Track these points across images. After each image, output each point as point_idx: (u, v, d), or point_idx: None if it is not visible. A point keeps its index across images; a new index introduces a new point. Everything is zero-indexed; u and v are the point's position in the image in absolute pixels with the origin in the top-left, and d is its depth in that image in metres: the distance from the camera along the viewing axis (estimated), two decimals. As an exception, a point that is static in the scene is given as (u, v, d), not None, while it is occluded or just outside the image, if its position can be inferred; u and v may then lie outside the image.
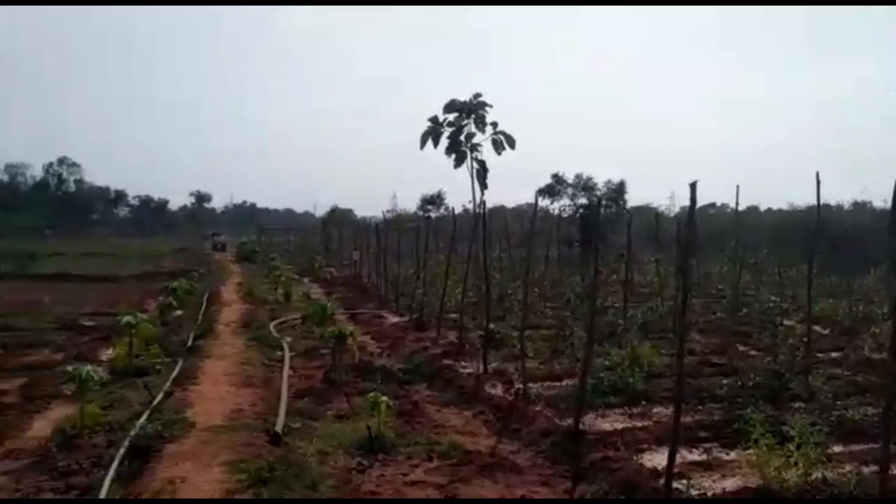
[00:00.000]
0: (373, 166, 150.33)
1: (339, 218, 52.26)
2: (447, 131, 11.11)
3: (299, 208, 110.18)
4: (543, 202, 30.41)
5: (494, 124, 11.00)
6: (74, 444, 7.03)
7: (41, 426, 7.87)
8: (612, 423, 7.77)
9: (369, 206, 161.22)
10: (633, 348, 10.26)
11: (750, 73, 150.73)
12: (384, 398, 7.20)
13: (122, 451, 6.55)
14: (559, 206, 29.82)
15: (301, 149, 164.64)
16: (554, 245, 21.60)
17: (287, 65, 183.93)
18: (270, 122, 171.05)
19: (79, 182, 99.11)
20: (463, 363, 11.00)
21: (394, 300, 18.80)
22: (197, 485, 5.60)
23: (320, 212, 65.75)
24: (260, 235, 63.44)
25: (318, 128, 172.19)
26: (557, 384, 9.40)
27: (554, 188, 28.34)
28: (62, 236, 63.37)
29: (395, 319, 16.54)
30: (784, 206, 38.82)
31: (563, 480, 6.13)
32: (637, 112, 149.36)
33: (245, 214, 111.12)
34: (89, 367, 7.86)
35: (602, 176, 28.32)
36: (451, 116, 11.08)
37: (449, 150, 11.11)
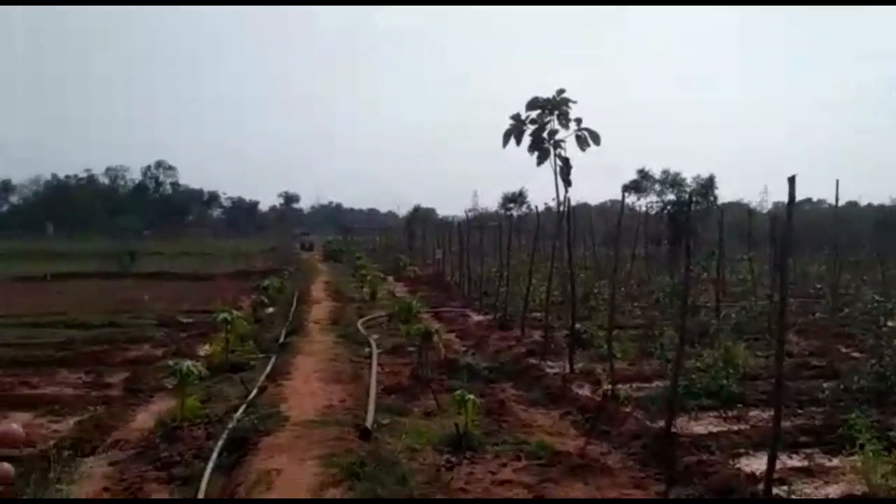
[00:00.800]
0: (454, 166, 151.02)
1: (421, 217, 52.75)
2: (530, 129, 10.97)
3: (383, 208, 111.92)
4: (629, 199, 29.80)
5: (578, 120, 10.81)
6: (176, 436, 7.34)
7: (144, 418, 8.27)
8: (705, 426, 7.55)
9: (451, 205, 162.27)
10: (726, 349, 9.93)
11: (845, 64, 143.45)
12: (471, 396, 7.21)
13: (220, 443, 6.81)
14: (646, 202, 29.16)
15: (385, 149, 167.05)
16: (641, 243, 21.15)
17: (373, 65, 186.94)
18: (356, 123, 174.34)
19: (174, 185, 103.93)
20: (548, 362, 10.90)
21: (477, 299, 18.84)
22: (292, 477, 5.76)
23: (403, 211, 66.53)
24: (345, 235, 64.82)
25: (401, 128, 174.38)
26: (647, 385, 9.20)
27: (640, 184, 27.75)
28: (160, 237, 66.45)
29: (479, 318, 16.57)
30: (886, 202, 36.81)
31: (655, 484, 5.99)
32: (726, 108, 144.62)
33: (331, 214, 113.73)
34: (189, 363, 8.20)
35: (690, 172, 27.42)
36: (534, 113, 10.94)
37: (532, 148, 10.97)
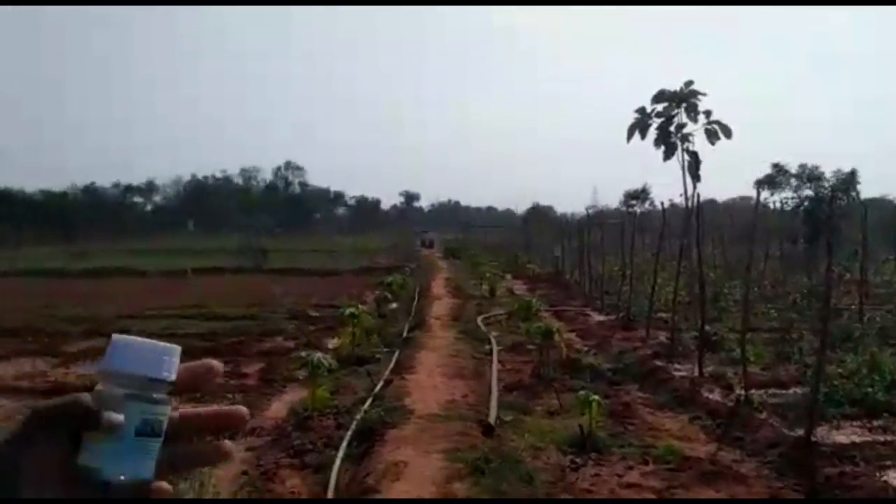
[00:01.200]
0: (573, 162, 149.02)
1: (539, 214, 52.41)
2: (656, 122, 10.64)
3: (501, 206, 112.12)
4: (763, 194, 28.22)
5: (708, 113, 10.37)
6: (307, 425, 7.66)
7: (278, 407, 8.69)
8: (848, 435, 7.07)
9: (570, 202, 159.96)
10: (871, 355, 9.25)
11: None
12: (595, 396, 7.10)
13: (349, 433, 7.05)
14: (780, 198, 27.54)
15: (502, 147, 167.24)
16: (775, 241, 20.07)
17: (489, 62, 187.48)
18: (473, 121, 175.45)
19: (303, 184, 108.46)
20: (676, 365, 10.55)
21: (598, 298, 18.50)
22: (418, 469, 5.88)
23: (521, 209, 66.42)
24: (465, 233, 65.40)
25: (518, 125, 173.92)
26: (783, 392, 8.72)
27: (774, 179, 26.22)
28: (289, 234, 69.51)
29: (601, 317, 16.27)
30: None
31: (794, 494, 5.68)
32: (867, 100, 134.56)
33: (450, 212, 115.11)
34: (319, 355, 8.54)
35: (829, 166, 25.56)
36: (660, 107, 10.60)
37: (658, 142, 10.63)
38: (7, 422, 7.99)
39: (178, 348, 0.67)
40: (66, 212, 77.22)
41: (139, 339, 0.66)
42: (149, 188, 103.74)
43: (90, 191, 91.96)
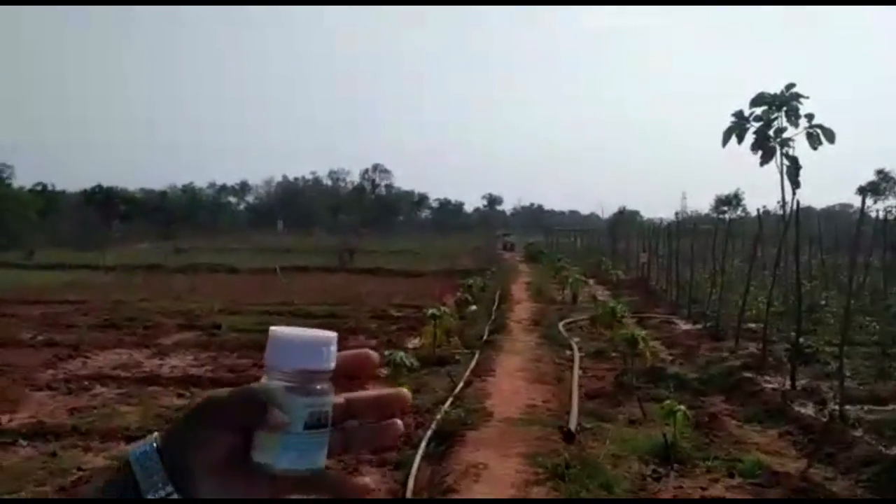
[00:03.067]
0: (662, 167, 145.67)
1: (626, 219, 51.45)
2: (753, 126, 10.26)
3: (585, 210, 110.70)
4: (866, 202, 26.85)
5: (810, 116, 9.93)
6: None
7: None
8: (951, 457, 6.66)
9: (657, 207, 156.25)
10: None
11: None
12: (681, 407, 6.93)
13: (429, 433, 7.13)
14: (884, 206, 26.13)
15: (588, 150, 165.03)
16: (877, 251, 19.04)
17: (577, 64, 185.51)
18: (558, 123, 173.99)
19: (389, 186, 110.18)
20: (766, 377, 10.15)
21: (685, 306, 18.00)
22: (497, 472, 5.90)
23: (607, 213, 65.38)
24: (547, 236, 64.84)
25: (604, 127, 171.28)
26: (882, 409, 8.27)
27: (879, 186, 24.90)
28: (375, 235, 70.69)
29: (688, 326, 15.83)
30: None
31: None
32: None
33: (533, 216, 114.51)
34: (401, 354, 8.67)
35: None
36: (759, 110, 10.21)
37: (755, 147, 10.24)
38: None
39: (334, 335, 0.68)
40: (166, 210, 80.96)
41: (296, 330, 0.67)
42: (242, 189, 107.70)
43: (188, 190, 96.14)
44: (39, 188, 67.62)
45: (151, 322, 15.12)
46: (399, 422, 0.71)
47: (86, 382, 9.76)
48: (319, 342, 0.66)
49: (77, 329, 14.18)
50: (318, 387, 0.66)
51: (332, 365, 0.67)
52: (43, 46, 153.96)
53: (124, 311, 16.69)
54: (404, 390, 0.73)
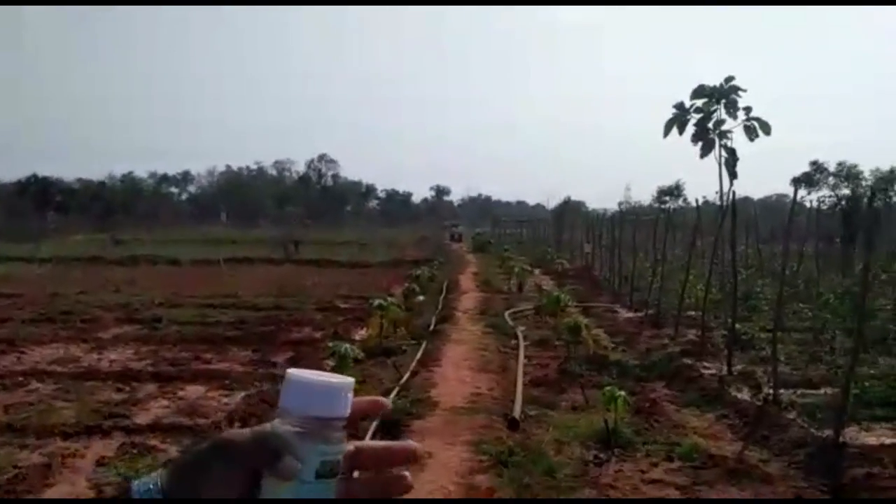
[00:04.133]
0: (605, 158, 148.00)
1: (571, 210, 52.14)
2: (694, 118, 10.49)
3: (531, 200, 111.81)
4: (800, 192, 27.73)
5: (748, 109, 10.19)
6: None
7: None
8: (878, 437, 6.96)
9: (601, 197, 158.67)
10: (906, 358, 9.09)
11: None
12: (621, 393, 7.07)
13: (375, 423, 7.10)
14: (817, 196, 27.09)
15: (534, 141, 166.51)
16: (811, 240, 19.73)
17: (526, 58, 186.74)
18: (508, 115, 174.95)
19: (335, 177, 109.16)
20: (704, 363, 10.44)
21: (627, 295, 18.37)
22: (443, 461, 5.93)
23: (552, 204, 66.13)
24: (494, 227, 65.30)
25: (551, 120, 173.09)
26: (813, 392, 8.58)
27: (812, 177, 25.80)
28: (321, 226, 70.06)
29: (629, 314, 16.17)
30: None
31: (819, 495, 5.62)
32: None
33: (480, 207, 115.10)
34: (347, 345, 8.63)
35: (868, 164, 25.04)
36: (699, 102, 10.44)
37: (695, 138, 10.46)
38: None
39: (351, 381, 0.68)
40: (104, 200, 78.65)
41: (313, 375, 0.66)
42: (184, 179, 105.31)
43: (127, 180, 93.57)
44: (-30, 178, 64.89)
45: (89, 315, 14.67)
46: (409, 476, 0.70)
47: (21, 378, 9.43)
48: (337, 389, 0.66)
49: (11, 323, 13.70)
50: (333, 435, 0.65)
51: (348, 412, 0.67)
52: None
53: (61, 305, 16.17)
54: (413, 444, 0.72)
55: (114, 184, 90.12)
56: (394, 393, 8.30)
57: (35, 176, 75.21)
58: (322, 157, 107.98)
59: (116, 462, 6.39)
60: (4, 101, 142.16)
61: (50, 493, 5.79)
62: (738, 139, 10.51)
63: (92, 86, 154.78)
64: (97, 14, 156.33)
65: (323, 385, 0.65)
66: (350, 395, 0.67)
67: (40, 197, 69.35)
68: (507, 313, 15.61)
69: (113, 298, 17.62)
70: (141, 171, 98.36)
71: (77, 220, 63.42)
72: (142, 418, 7.80)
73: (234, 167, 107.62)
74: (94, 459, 6.50)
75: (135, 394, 8.82)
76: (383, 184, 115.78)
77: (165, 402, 8.49)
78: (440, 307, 16.57)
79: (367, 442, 0.71)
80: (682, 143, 11.04)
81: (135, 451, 6.74)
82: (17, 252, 32.54)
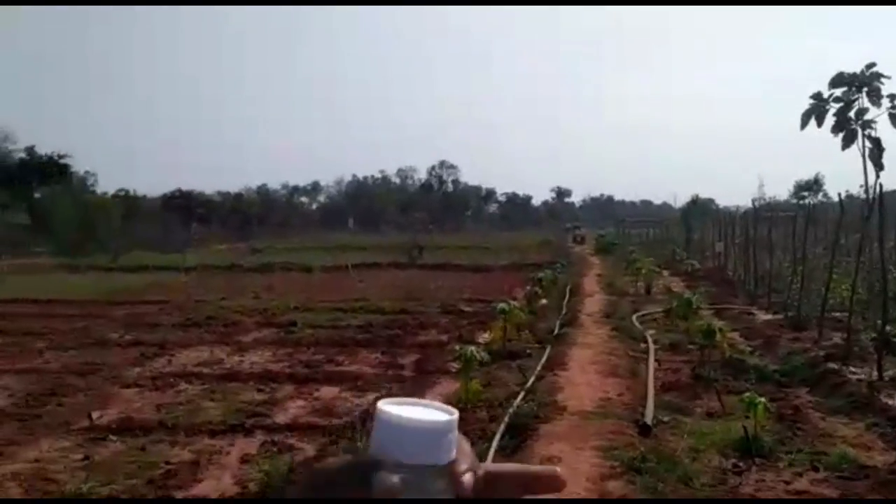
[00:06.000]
0: (735, 152, 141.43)
1: (700, 208, 50.10)
2: (833, 108, 9.86)
3: (657, 199, 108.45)
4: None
5: (892, 97, 9.49)
6: (461, 417, 7.81)
7: (431, 398, 8.90)
8: None
9: (732, 194, 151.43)
10: None
11: None
12: (761, 399, 6.74)
13: (502, 426, 7.14)
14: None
15: (658, 139, 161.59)
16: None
17: (646, 56, 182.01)
18: (627, 114, 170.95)
19: (455, 182, 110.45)
20: (851, 368, 9.76)
21: (764, 296, 17.44)
22: (572, 465, 5.86)
23: (679, 202, 63.78)
24: (618, 228, 63.85)
25: (675, 116, 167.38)
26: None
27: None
28: (443, 231, 71.07)
29: (767, 317, 15.34)
30: None
31: None
32: None
33: (602, 208, 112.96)
34: (472, 348, 8.71)
35: None
36: (839, 91, 9.80)
37: (836, 129, 9.83)
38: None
39: (454, 418, 0.57)
40: (241, 212, 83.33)
41: (409, 412, 0.56)
42: (314, 189, 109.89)
43: (262, 192, 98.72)
44: (122, 193, 70.40)
45: (231, 320, 15.61)
46: None
47: (171, 379, 10.17)
48: (436, 432, 0.55)
49: (161, 328, 14.78)
50: (433, 485, 0.54)
51: (452, 455, 0.56)
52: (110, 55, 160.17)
53: (205, 310, 17.27)
54: (557, 471, 0.60)
55: (250, 195, 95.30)
56: (520, 396, 8.28)
57: (179, 190, 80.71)
58: (443, 164, 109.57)
59: (259, 459, 6.75)
60: (145, 122, 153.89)
61: (198, 489, 6.18)
62: (883, 128, 9.81)
63: (231, 108, 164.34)
64: (199, 24, 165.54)
65: (418, 427, 0.55)
66: (453, 436, 0.56)
67: (184, 210, 74.28)
68: (634, 316, 15.22)
69: (252, 304, 18.63)
70: (274, 183, 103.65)
71: (218, 231, 67.59)
72: (281, 418, 8.22)
73: (360, 176, 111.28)
74: (238, 457, 6.90)
75: (274, 394, 9.30)
76: (503, 188, 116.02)
77: (302, 403, 8.90)
78: (564, 310, 16.38)
79: (500, 466, 0.60)
80: (821, 135, 10.41)
81: (275, 448, 7.11)
82: (164, 262, 35.05)
